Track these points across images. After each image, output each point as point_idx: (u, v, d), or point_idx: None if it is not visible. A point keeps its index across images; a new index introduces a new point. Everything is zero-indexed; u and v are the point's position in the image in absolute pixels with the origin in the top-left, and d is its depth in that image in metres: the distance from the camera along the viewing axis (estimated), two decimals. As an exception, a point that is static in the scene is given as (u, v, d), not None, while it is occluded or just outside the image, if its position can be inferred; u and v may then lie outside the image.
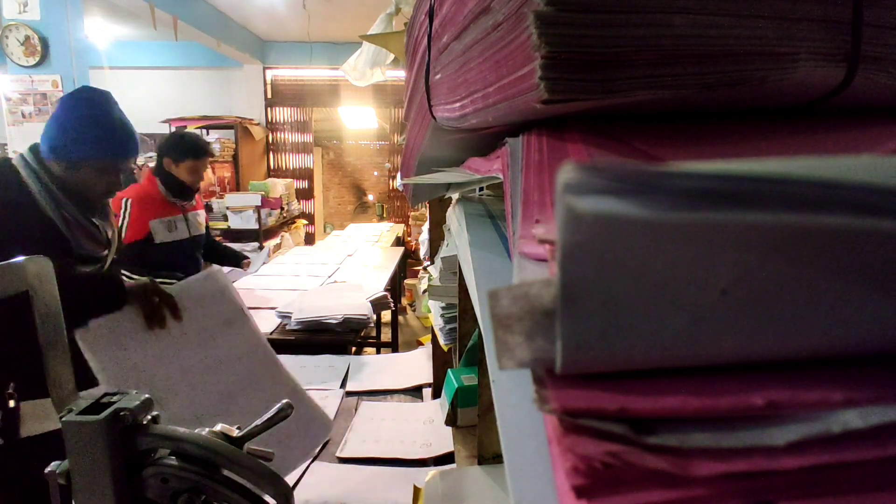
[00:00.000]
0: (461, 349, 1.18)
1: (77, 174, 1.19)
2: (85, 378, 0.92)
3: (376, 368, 1.84)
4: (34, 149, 1.23)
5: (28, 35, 3.28)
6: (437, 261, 1.32)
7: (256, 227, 5.14)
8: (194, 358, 1.05)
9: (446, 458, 1.26)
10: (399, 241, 4.84)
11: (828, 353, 0.17)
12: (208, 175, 5.36)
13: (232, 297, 1.14)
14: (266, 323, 2.12)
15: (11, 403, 1.11)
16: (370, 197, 8.35)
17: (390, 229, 5.12)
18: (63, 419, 0.61)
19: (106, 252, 1.25)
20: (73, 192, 1.20)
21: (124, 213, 2.06)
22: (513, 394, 0.26)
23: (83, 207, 1.21)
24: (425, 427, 1.42)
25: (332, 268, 3.16)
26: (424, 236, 2.87)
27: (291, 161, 6.76)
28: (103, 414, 0.61)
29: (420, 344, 2.75)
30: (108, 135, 1.19)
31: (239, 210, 5.14)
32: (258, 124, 6.29)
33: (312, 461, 1.27)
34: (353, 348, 2.36)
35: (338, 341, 2.02)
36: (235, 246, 4.21)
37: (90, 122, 1.17)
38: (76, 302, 0.93)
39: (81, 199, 1.22)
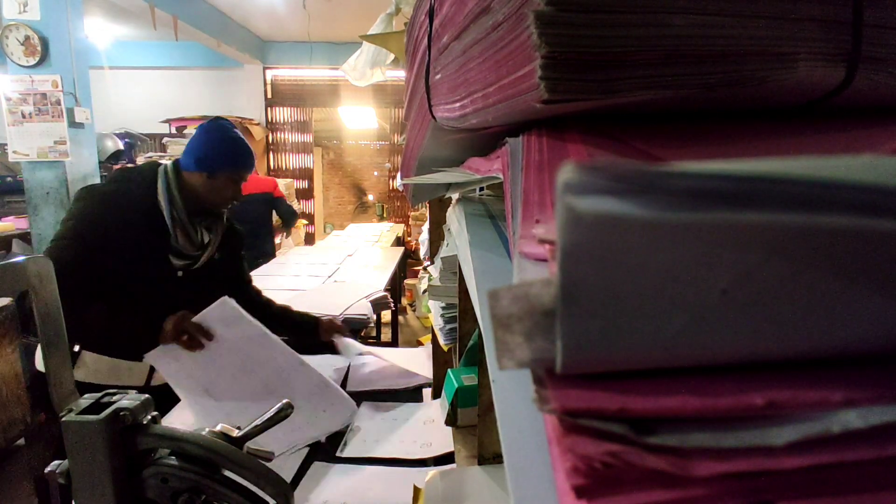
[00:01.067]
0: (461, 349, 1.18)
1: (214, 182, 1.52)
2: None
3: (376, 368, 1.84)
4: (175, 161, 1.54)
5: (28, 35, 3.28)
6: (437, 261, 1.32)
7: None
8: (232, 363, 1.38)
9: (446, 458, 1.26)
10: (399, 241, 4.84)
11: (828, 353, 0.17)
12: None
13: (249, 320, 1.41)
14: (266, 323, 2.12)
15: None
16: (370, 197, 8.36)
17: (390, 229, 5.12)
18: (63, 419, 0.61)
19: (199, 252, 1.55)
20: (202, 198, 1.52)
21: None
22: (513, 394, 0.26)
23: (195, 213, 1.52)
24: (425, 427, 1.42)
25: (332, 268, 3.16)
26: (424, 236, 2.87)
27: (291, 161, 6.76)
28: (103, 414, 0.61)
29: (420, 344, 2.75)
30: (239, 152, 1.55)
31: (239, 210, 5.14)
32: (258, 124, 6.29)
33: (312, 461, 1.27)
34: (353, 348, 2.36)
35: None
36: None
37: (228, 142, 1.54)
38: (122, 343, 1.42)
39: (207, 204, 1.53)
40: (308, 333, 1.75)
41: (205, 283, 1.57)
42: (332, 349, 1.80)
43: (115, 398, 0.65)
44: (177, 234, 1.48)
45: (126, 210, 1.42)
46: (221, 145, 1.52)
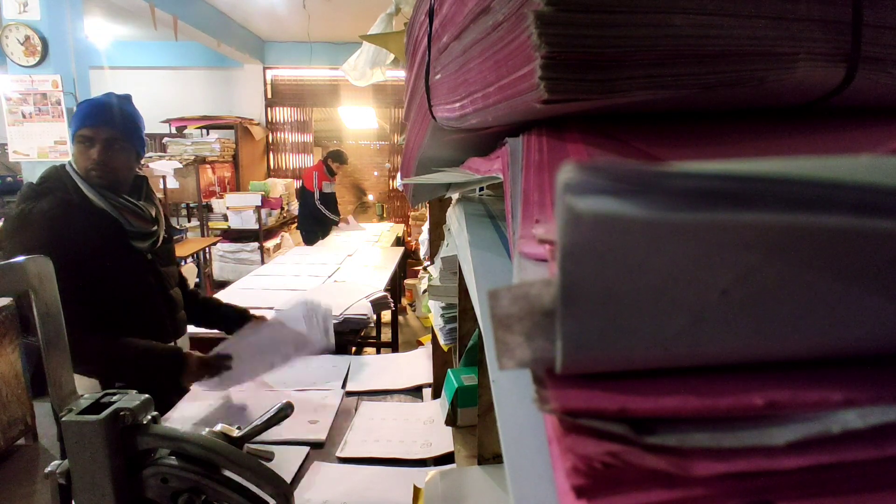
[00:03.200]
0: (461, 349, 1.18)
1: (76, 152, 1.40)
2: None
3: (376, 368, 1.84)
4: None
5: (28, 35, 3.28)
6: (437, 261, 1.32)
7: (256, 227, 5.14)
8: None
9: (446, 458, 1.26)
10: (399, 241, 4.84)
11: (828, 353, 0.17)
12: (208, 175, 5.39)
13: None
14: (266, 323, 2.11)
15: None
16: (370, 197, 8.35)
17: (390, 229, 5.12)
18: (63, 419, 0.61)
19: (155, 227, 1.50)
20: (88, 174, 1.40)
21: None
22: (513, 394, 0.26)
23: (120, 192, 1.44)
24: (425, 427, 1.42)
25: (332, 268, 3.16)
26: (424, 236, 2.87)
27: (291, 161, 6.76)
28: (103, 414, 0.61)
29: (420, 344, 2.75)
30: (83, 109, 1.40)
31: (239, 210, 5.15)
32: (258, 124, 6.29)
33: (312, 461, 1.27)
34: (353, 348, 2.36)
35: (338, 341, 2.02)
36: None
37: (80, 105, 1.43)
38: (146, 374, 1.36)
39: (99, 179, 1.40)
40: (235, 324, 1.66)
41: (166, 262, 1.56)
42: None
43: (115, 398, 0.65)
44: (126, 217, 1.42)
45: (73, 220, 1.35)
46: (75, 114, 1.41)
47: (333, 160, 5.20)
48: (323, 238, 4.68)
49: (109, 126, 1.39)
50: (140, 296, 1.45)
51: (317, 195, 5.04)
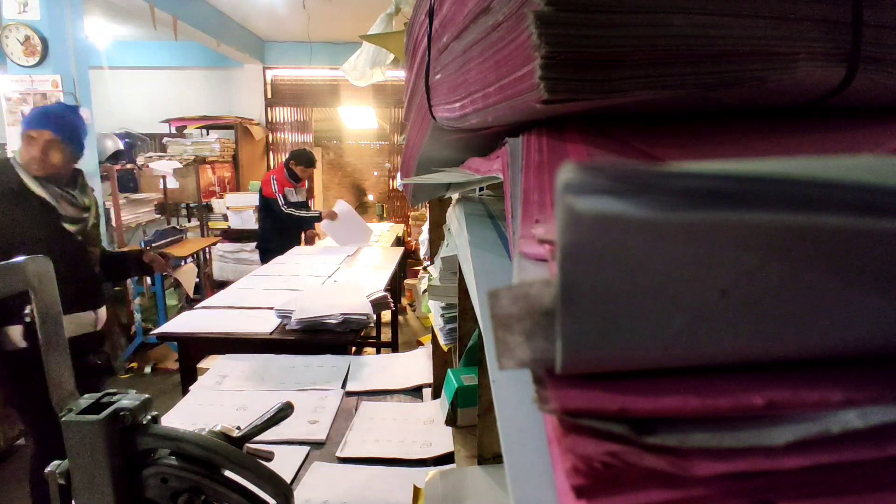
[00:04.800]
0: (461, 349, 1.18)
1: (21, 147, 1.77)
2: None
3: (376, 368, 1.84)
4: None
5: (28, 35, 3.28)
6: (437, 261, 1.31)
7: (256, 226, 5.14)
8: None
9: (446, 458, 1.26)
10: (399, 241, 4.84)
11: (828, 353, 0.17)
12: (208, 175, 5.38)
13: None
14: (266, 323, 2.12)
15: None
16: (370, 197, 8.35)
17: (390, 229, 5.12)
18: (63, 419, 0.61)
19: (87, 215, 1.90)
20: (37, 169, 1.76)
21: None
22: (513, 394, 0.26)
23: (59, 183, 1.82)
24: (425, 427, 1.42)
25: (332, 268, 3.16)
26: (424, 236, 2.87)
27: (291, 161, 6.75)
28: (103, 414, 0.61)
29: (420, 344, 2.75)
30: (33, 114, 1.78)
31: (239, 210, 5.15)
32: (258, 124, 6.28)
33: (312, 461, 1.27)
34: (353, 348, 2.36)
35: (338, 341, 2.02)
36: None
37: (32, 111, 1.83)
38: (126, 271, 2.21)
39: (50, 176, 1.79)
40: (138, 265, 2.18)
41: (93, 243, 1.96)
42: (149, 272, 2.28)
43: (115, 398, 0.65)
44: (61, 204, 1.79)
45: (5, 205, 1.69)
46: (25, 117, 1.80)
47: (297, 163, 4.18)
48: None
49: (51, 130, 1.76)
50: (70, 271, 1.72)
51: (281, 201, 4.11)
